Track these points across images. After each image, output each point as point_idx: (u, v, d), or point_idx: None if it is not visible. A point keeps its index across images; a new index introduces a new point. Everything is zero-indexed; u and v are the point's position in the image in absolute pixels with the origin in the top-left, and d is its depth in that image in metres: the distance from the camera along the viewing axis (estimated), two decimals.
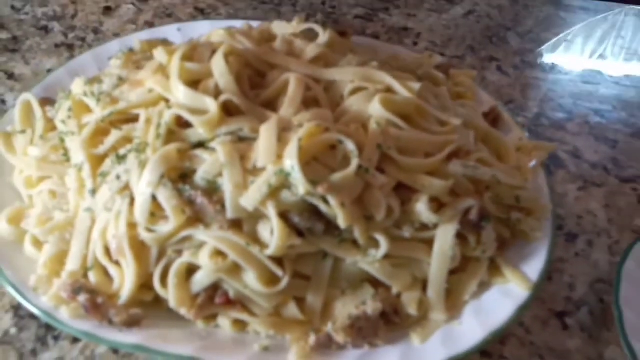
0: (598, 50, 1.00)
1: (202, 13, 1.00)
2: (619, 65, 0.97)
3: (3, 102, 0.78)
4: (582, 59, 0.98)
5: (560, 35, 1.02)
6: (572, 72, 0.94)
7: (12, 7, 0.96)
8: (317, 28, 0.70)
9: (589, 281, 0.63)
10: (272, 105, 0.61)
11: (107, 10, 0.98)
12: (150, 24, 0.96)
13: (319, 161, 0.53)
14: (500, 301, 0.54)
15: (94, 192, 0.54)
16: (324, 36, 0.69)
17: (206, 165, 0.52)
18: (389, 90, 0.62)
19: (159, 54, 0.62)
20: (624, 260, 0.60)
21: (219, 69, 0.59)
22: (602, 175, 0.76)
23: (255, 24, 0.78)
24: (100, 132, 0.58)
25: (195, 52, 0.62)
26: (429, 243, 0.54)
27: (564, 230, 0.68)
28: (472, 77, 0.79)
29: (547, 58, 0.97)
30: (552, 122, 0.84)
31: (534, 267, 0.57)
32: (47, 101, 0.67)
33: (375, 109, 0.58)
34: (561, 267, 0.64)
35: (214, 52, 0.62)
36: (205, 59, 0.62)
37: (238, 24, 0.80)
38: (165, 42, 0.73)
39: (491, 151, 0.66)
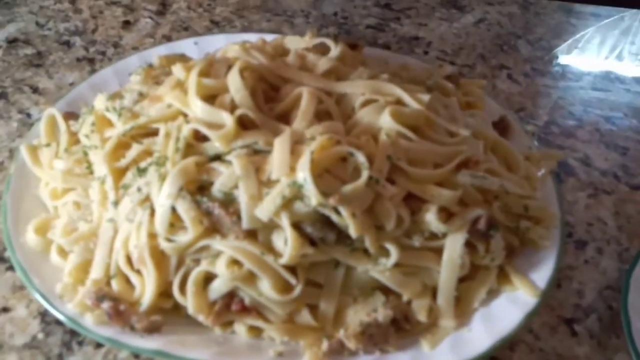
0: (609, 57, 1.01)
1: (217, 26, 1.03)
2: (631, 71, 0.97)
3: (28, 115, 0.82)
4: (593, 66, 0.98)
5: (570, 41, 1.03)
6: (583, 79, 0.95)
7: (37, 23, 1.00)
8: (329, 42, 0.72)
9: (598, 288, 0.64)
10: (285, 118, 0.63)
11: (126, 24, 1.02)
12: (167, 38, 0.99)
13: (330, 173, 0.55)
14: (508, 308, 0.56)
15: (116, 203, 0.57)
16: (335, 50, 0.70)
17: (223, 178, 0.54)
18: (399, 102, 0.64)
19: (177, 70, 0.64)
20: (632, 268, 0.61)
21: (235, 84, 0.61)
22: (612, 182, 0.77)
23: (269, 37, 0.80)
24: (121, 146, 0.60)
25: (211, 67, 0.65)
26: (439, 252, 0.56)
27: (573, 237, 0.69)
28: (482, 87, 0.80)
29: (558, 65, 0.97)
30: (562, 130, 0.84)
31: (542, 274, 0.58)
32: (70, 115, 0.70)
33: (385, 121, 0.60)
34: (570, 274, 0.65)
35: (229, 67, 0.64)
36: (222, 74, 0.64)
37: (252, 37, 0.82)
38: (182, 57, 0.75)
39: (500, 161, 0.67)
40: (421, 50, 0.99)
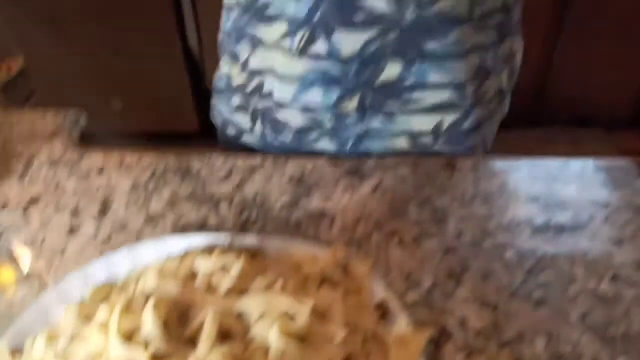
0: (487, 211, 1.18)
1: (152, 221, 1.18)
2: (506, 221, 1.14)
3: None
4: (469, 222, 1.15)
5: (450, 198, 1.20)
6: (463, 235, 1.11)
7: None
8: (231, 259, 0.87)
9: None
10: (194, 340, 0.77)
11: (71, 231, 1.17)
12: (107, 239, 1.14)
13: None
14: None
15: None
16: (236, 267, 0.86)
17: None
18: (287, 313, 0.79)
19: (101, 313, 0.78)
20: None
21: (148, 322, 0.75)
22: (484, 342, 0.91)
23: (193, 239, 0.96)
24: None
25: (131, 304, 0.79)
26: None
27: None
28: (369, 267, 0.96)
29: (434, 223, 1.14)
30: (443, 292, 1.00)
31: None
32: (17, 351, 0.83)
33: (274, 337, 0.75)
34: None
35: (147, 299, 0.79)
36: (140, 308, 0.79)
37: (178, 243, 0.98)
38: (110, 288, 0.90)
39: (378, 346, 0.81)
40: (326, 225, 1.16)
